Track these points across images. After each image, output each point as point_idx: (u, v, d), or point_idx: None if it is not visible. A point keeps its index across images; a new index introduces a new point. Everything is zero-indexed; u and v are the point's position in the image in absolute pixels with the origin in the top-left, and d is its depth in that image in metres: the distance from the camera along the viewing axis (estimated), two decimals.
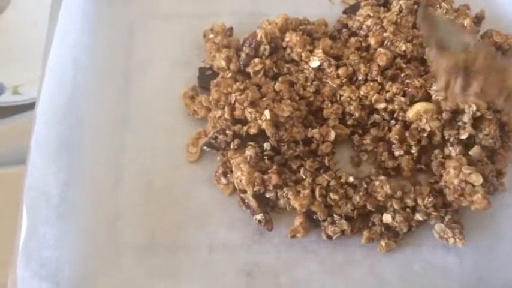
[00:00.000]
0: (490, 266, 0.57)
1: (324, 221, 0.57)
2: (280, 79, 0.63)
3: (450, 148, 0.59)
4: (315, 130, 0.60)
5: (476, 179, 0.55)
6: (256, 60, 0.64)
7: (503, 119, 0.62)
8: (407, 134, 0.59)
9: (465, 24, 0.65)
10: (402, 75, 0.62)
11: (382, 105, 0.61)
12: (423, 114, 0.59)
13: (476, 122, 0.60)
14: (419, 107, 0.60)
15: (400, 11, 0.65)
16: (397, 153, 0.60)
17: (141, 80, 0.66)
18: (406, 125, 0.61)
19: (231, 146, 0.60)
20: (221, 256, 0.57)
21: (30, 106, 0.72)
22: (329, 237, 0.57)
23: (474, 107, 0.59)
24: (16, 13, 0.84)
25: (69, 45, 0.64)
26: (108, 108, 0.64)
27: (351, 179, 0.58)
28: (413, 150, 0.60)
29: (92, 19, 0.67)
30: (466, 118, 0.59)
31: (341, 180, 0.58)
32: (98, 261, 0.56)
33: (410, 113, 0.60)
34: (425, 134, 0.59)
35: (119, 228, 0.58)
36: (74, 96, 0.62)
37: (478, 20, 0.69)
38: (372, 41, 0.63)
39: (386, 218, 0.57)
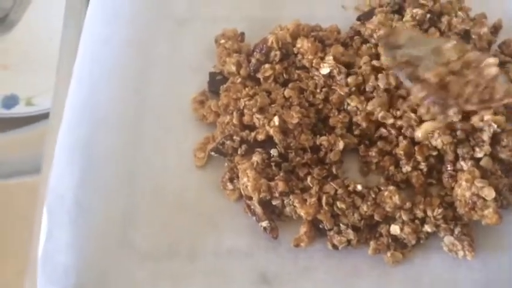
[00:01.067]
0: (500, 279, 0.56)
1: (330, 230, 0.57)
2: (290, 85, 0.62)
3: (462, 163, 0.57)
4: (323, 138, 0.59)
5: (489, 193, 0.54)
6: (267, 66, 0.63)
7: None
8: (416, 148, 0.58)
9: (481, 34, 0.63)
10: None
11: (390, 121, 0.60)
12: (432, 133, 0.58)
13: (495, 137, 0.58)
14: (428, 126, 0.58)
15: (413, 19, 0.64)
16: (404, 170, 0.59)
17: (154, 82, 0.66)
18: (414, 141, 0.60)
19: (238, 152, 0.60)
20: (226, 263, 0.57)
21: (44, 116, 0.73)
22: (335, 247, 0.56)
23: (495, 126, 0.57)
24: (30, 24, 0.84)
25: (86, 41, 0.65)
26: (120, 108, 0.64)
27: (359, 187, 0.58)
28: (422, 166, 0.58)
29: (109, 16, 0.68)
30: (485, 136, 0.57)
31: (349, 189, 0.58)
32: (106, 265, 0.56)
33: (419, 133, 0.59)
34: (434, 153, 0.58)
35: (128, 232, 0.58)
36: (88, 96, 0.63)
37: (496, 29, 0.68)
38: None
39: (395, 229, 0.56)
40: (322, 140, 0.59)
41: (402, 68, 0.55)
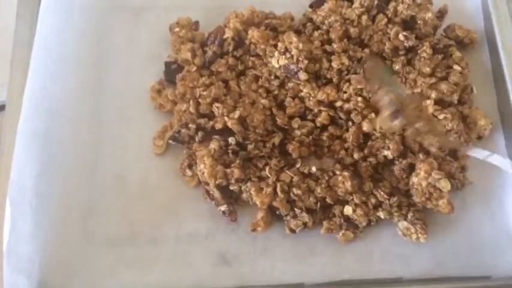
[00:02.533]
0: (448, 251, 0.59)
1: (286, 215, 0.59)
2: (247, 79, 0.64)
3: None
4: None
5: (445, 185, 0.57)
6: (221, 60, 0.64)
7: (464, 111, 0.63)
8: (366, 150, 0.61)
9: (426, 19, 0.66)
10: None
11: (339, 104, 0.62)
12: (378, 128, 0.61)
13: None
14: (378, 121, 0.61)
15: (361, 5, 0.65)
16: (356, 156, 0.61)
17: (111, 72, 0.67)
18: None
19: (196, 139, 0.61)
20: (188, 246, 0.59)
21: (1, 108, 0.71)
22: (292, 231, 0.59)
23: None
24: None
25: (41, 32, 0.65)
26: (78, 99, 0.64)
27: (313, 169, 0.60)
28: (371, 159, 0.61)
29: (63, 6, 0.67)
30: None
31: (304, 170, 0.60)
32: (69, 254, 0.57)
33: (364, 127, 0.61)
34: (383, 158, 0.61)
35: (90, 221, 0.59)
36: (45, 87, 0.63)
37: (441, 14, 0.70)
38: (332, 35, 0.64)
39: (347, 210, 0.58)
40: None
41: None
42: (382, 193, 0.58)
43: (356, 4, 0.66)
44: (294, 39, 0.62)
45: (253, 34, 0.64)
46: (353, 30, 0.64)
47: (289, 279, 0.58)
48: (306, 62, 0.61)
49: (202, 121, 0.61)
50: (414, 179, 0.58)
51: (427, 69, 0.63)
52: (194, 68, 0.64)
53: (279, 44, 0.62)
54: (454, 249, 0.59)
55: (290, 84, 0.63)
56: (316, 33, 0.65)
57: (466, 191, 0.61)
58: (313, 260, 0.58)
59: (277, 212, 0.59)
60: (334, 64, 0.62)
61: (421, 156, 0.59)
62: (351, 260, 0.59)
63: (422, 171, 0.57)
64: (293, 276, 0.58)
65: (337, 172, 0.60)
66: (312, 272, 0.58)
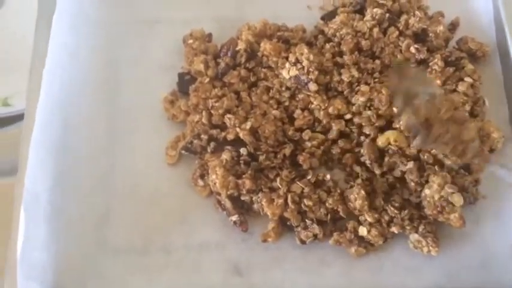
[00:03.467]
0: (459, 264, 0.59)
1: (297, 226, 0.59)
2: (258, 90, 0.64)
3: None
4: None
5: (458, 200, 0.57)
6: (234, 72, 0.65)
7: (477, 124, 0.62)
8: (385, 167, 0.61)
9: (437, 32, 0.66)
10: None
11: (348, 117, 0.62)
12: (393, 142, 0.60)
13: None
14: (390, 135, 0.61)
15: (373, 18, 0.66)
16: (377, 172, 0.61)
17: (125, 84, 0.68)
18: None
19: (208, 150, 0.62)
20: (199, 255, 0.59)
21: (20, 117, 0.72)
22: (303, 242, 0.59)
23: None
24: (3, 24, 0.84)
25: (56, 47, 0.66)
26: (92, 110, 0.65)
27: (328, 176, 0.60)
28: (389, 176, 0.61)
29: (77, 20, 0.69)
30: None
31: (318, 178, 0.60)
32: (82, 261, 0.58)
33: (380, 141, 0.61)
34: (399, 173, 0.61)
35: (103, 229, 0.60)
36: (60, 98, 0.64)
37: (453, 27, 0.70)
38: (344, 48, 0.65)
39: (362, 230, 0.58)
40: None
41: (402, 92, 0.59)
42: (392, 208, 0.58)
43: (367, 17, 0.66)
44: (305, 50, 0.62)
45: (266, 46, 0.65)
46: (364, 43, 0.65)
47: None
48: (316, 73, 0.61)
49: (214, 132, 0.62)
50: (427, 191, 0.58)
51: (438, 82, 0.63)
52: (207, 80, 0.65)
53: (290, 56, 0.63)
54: (466, 263, 0.59)
55: (300, 96, 0.63)
56: (327, 46, 0.66)
57: (478, 204, 0.61)
58: (324, 271, 0.59)
59: (288, 223, 0.59)
60: (344, 77, 0.63)
61: (436, 168, 0.59)
62: (361, 271, 0.59)
63: (435, 184, 0.57)
64: (304, 287, 0.58)
65: (353, 185, 0.59)
66: (323, 283, 0.58)
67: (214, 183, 0.59)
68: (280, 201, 0.59)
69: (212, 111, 0.63)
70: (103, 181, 0.62)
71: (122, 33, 0.71)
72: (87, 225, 0.60)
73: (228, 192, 0.59)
